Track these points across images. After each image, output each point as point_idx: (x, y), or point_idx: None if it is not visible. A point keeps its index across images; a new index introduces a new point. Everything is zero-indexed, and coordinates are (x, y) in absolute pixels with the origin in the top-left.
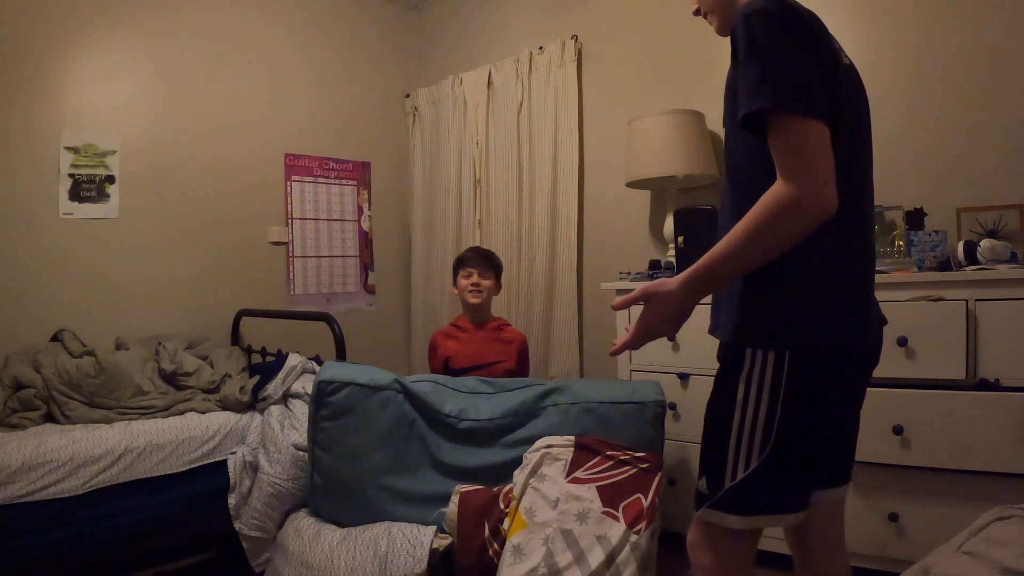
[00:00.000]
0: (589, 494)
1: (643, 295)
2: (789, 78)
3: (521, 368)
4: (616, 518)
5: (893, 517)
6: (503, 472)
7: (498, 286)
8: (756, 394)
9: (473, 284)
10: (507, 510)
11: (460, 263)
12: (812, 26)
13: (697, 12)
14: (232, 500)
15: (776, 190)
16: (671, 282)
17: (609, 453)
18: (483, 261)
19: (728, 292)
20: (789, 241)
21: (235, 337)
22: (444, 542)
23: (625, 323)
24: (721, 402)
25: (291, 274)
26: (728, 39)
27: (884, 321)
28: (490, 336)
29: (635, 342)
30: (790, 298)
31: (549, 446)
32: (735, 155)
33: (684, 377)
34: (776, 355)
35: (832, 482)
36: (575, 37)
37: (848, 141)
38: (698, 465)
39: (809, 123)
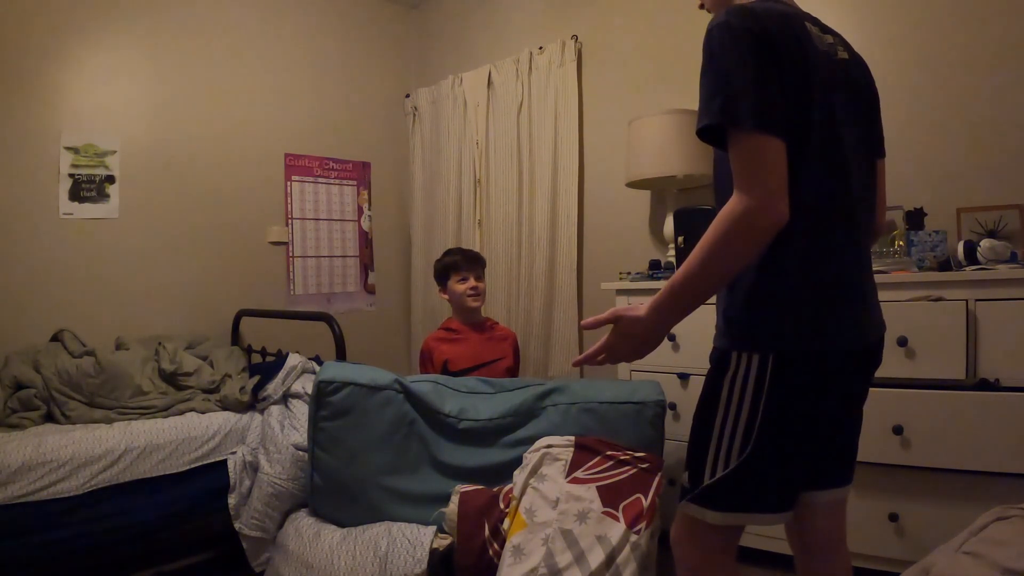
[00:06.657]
0: (589, 494)
1: (612, 317)
2: (739, 93)
3: (516, 364)
4: (616, 518)
5: (893, 517)
6: (503, 472)
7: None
8: (739, 396)
9: (471, 288)
10: (507, 510)
11: (452, 268)
12: (775, 36)
13: (702, 6)
14: (232, 500)
15: (728, 204)
16: (641, 307)
17: (609, 453)
18: (475, 264)
19: (718, 298)
20: (745, 255)
21: (235, 337)
22: (444, 542)
23: None
24: (707, 401)
25: (291, 274)
26: None
27: (883, 327)
28: (486, 335)
29: (592, 356)
30: (772, 303)
31: (549, 446)
32: (719, 164)
33: (684, 377)
34: (760, 358)
35: (831, 483)
36: (575, 37)
37: (826, 147)
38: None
39: (758, 137)
